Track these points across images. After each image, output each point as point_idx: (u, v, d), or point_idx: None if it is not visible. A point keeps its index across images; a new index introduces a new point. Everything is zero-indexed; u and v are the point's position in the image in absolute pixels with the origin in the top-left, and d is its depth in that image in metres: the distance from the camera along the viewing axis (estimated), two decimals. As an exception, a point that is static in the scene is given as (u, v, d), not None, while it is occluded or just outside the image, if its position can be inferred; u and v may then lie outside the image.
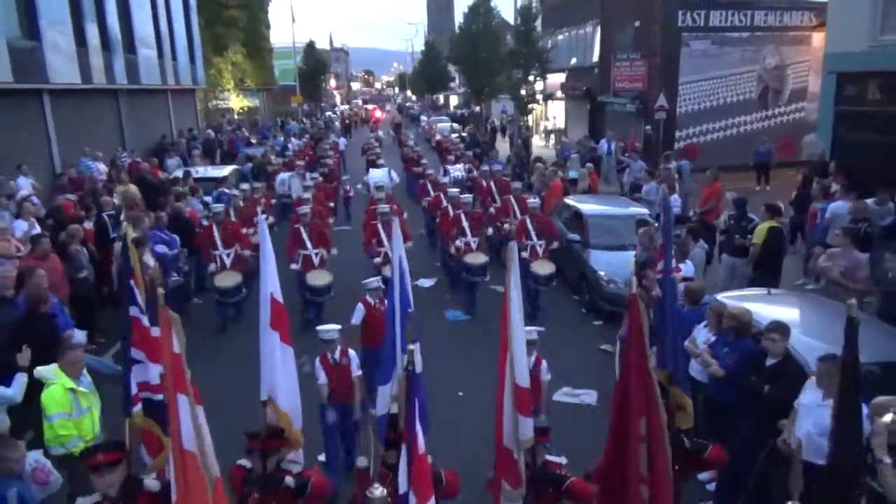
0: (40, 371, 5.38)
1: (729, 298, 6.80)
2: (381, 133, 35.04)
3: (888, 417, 4.09)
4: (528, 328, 5.61)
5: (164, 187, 14.10)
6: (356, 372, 6.29)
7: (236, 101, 37.90)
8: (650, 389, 3.81)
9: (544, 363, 6.13)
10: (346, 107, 71.15)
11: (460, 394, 8.11)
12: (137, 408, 4.51)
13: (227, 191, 13.87)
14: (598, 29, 28.86)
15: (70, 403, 5.21)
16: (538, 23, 30.36)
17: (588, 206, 12.24)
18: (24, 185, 12.75)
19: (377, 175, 17.29)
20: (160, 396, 4.52)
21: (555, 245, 10.78)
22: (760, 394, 5.34)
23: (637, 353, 3.88)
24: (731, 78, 23.71)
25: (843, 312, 6.99)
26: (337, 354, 6.20)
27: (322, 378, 6.18)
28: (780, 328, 5.45)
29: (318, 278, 9.92)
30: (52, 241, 8.83)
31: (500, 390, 4.32)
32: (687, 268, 7.85)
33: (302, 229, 10.17)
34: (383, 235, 10.23)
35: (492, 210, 13.11)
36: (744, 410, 5.53)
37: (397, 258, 4.79)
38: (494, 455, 4.43)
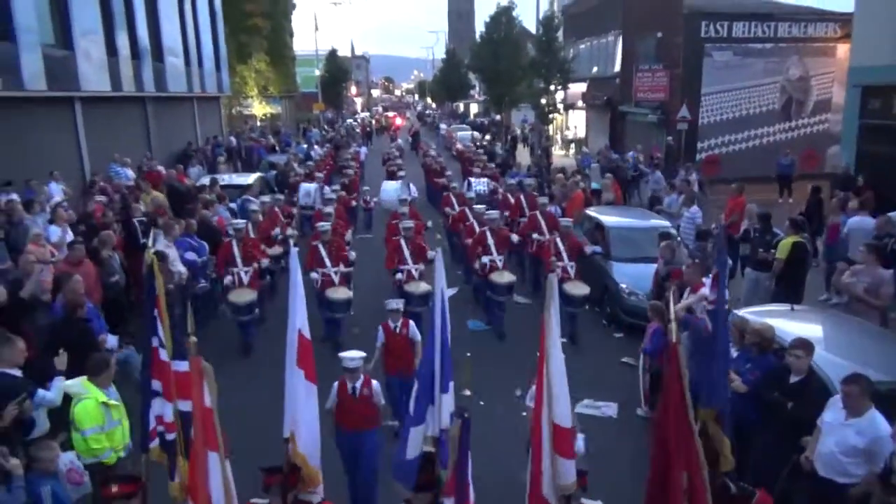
0: (68, 385, 5.48)
1: (752, 314, 6.82)
2: (400, 141, 35.19)
3: None
4: None
5: (192, 194, 14.36)
6: (381, 401, 5.96)
7: (259, 108, 38.42)
8: (691, 444, 3.57)
9: None
10: (367, 114, 71.67)
11: (481, 403, 8.17)
12: (155, 443, 4.49)
13: (250, 198, 13.98)
14: (620, 39, 28.91)
15: (103, 417, 5.31)
16: (560, 33, 30.44)
17: (610, 218, 12.27)
18: (56, 191, 13.06)
19: (391, 188, 16.58)
20: (172, 436, 4.52)
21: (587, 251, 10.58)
22: (784, 410, 5.37)
23: (676, 404, 3.62)
24: (755, 89, 23.65)
25: (867, 330, 7.03)
26: (358, 384, 5.80)
27: (331, 403, 5.80)
28: (805, 345, 5.47)
29: (336, 293, 9.69)
30: (85, 246, 9.06)
31: (537, 432, 4.02)
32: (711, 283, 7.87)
33: (321, 247, 9.90)
34: (406, 253, 9.99)
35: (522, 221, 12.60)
36: (765, 426, 5.55)
37: (439, 293, 4.42)
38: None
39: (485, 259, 10.53)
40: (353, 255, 10.48)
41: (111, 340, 7.43)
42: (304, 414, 4.47)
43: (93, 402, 5.29)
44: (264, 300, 10.84)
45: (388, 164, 22.18)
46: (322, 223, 10.52)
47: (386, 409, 6.38)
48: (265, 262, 10.49)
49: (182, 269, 9.29)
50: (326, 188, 15.92)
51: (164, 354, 4.47)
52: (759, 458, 5.35)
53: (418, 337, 7.05)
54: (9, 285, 7.27)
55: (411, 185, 17.08)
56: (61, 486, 5.01)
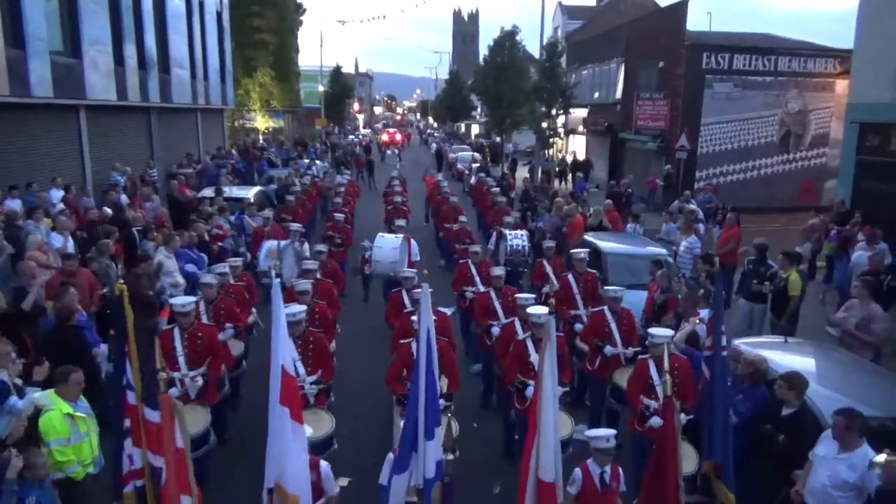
0: (36, 398, 5.29)
1: (745, 345, 6.85)
2: (390, 153, 33.79)
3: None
4: (600, 432, 5.05)
5: (192, 205, 14.39)
6: (331, 490, 4.87)
7: (262, 122, 38.65)
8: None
9: (622, 473, 5.16)
10: (369, 131, 72.05)
11: (475, 425, 8.19)
12: (129, 488, 4.26)
13: (245, 216, 13.48)
14: (622, 67, 29.23)
15: (68, 429, 5.11)
16: (563, 59, 30.74)
17: (607, 244, 12.30)
18: (57, 198, 13.09)
19: (388, 244, 11.42)
20: (141, 482, 4.33)
21: None
22: (775, 443, 5.39)
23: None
24: (754, 121, 23.90)
25: (859, 364, 7.05)
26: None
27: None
28: (789, 378, 5.51)
29: (311, 426, 5.59)
30: (85, 253, 9.06)
31: (523, 486, 3.89)
32: (707, 314, 7.89)
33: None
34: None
35: (578, 326, 8.59)
36: (756, 459, 5.56)
37: (425, 331, 4.14)
38: None
39: (529, 392, 6.64)
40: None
41: (104, 350, 7.39)
42: (290, 454, 4.09)
43: (57, 414, 5.10)
44: (225, 415, 7.47)
45: (387, 198, 17.60)
46: (294, 308, 6.71)
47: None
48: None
49: (181, 280, 9.30)
50: (305, 245, 11.66)
51: (132, 397, 4.16)
52: (750, 491, 5.35)
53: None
54: (11, 293, 7.27)
55: (412, 242, 12.06)
56: (47, 495, 4.98)
